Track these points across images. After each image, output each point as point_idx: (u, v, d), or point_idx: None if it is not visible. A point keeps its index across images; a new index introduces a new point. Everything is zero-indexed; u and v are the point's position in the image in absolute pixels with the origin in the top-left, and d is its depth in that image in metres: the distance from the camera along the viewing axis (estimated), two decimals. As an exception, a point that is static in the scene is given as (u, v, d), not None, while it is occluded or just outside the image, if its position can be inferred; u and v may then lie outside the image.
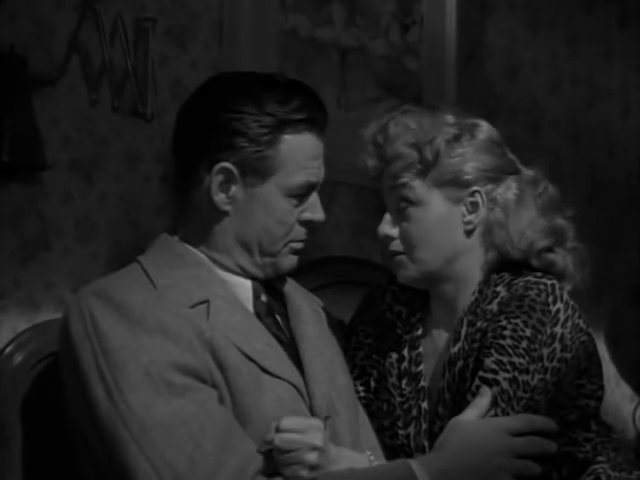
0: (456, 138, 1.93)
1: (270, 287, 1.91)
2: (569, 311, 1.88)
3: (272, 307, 1.89)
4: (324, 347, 1.88)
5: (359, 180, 2.93)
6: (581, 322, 1.90)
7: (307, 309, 1.92)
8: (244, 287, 1.87)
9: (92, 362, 1.69)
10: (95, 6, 2.49)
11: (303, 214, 1.86)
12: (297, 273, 2.00)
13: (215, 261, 1.85)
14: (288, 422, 1.70)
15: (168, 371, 1.67)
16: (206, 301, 1.78)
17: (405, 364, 1.98)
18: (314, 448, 1.70)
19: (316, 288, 2.04)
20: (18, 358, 1.98)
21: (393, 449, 1.95)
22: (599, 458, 1.91)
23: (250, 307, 1.86)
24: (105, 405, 1.66)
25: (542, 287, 1.88)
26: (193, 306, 1.77)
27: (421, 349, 1.98)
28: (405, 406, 1.95)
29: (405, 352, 1.99)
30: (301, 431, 1.70)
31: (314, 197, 1.87)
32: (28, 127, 2.34)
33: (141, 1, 2.61)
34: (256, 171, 1.80)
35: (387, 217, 1.96)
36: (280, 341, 1.84)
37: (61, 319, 1.79)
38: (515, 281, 1.91)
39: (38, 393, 1.97)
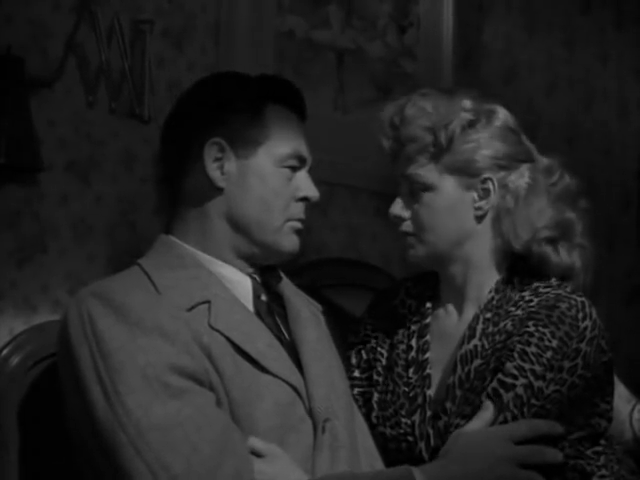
0: (471, 124, 1.94)
1: (269, 290, 1.91)
2: (596, 330, 1.88)
3: (272, 308, 1.89)
4: (323, 351, 1.88)
5: (356, 181, 2.95)
6: (603, 343, 1.90)
7: (306, 313, 1.92)
8: (244, 286, 1.86)
9: (90, 364, 1.69)
10: (92, 8, 2.49)
11: (297, 192, 1.87)
12: (294, 274, 1.99)
13: (213, 255, 1.85)
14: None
15: (165, 373, 1.67)
16: (207, 301, 1.78)
17: (413, 354, 1.98)
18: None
19: (313, 290, 2.04)
20: (15, 360, 1.97)
21: (394, 439, 1.95)
22: (603, 472, 1.91)
23: (250, 306, 1.85)
24: (102, 407, 1.66)
25: (573, 302, 1.88)
26: (194, 306, 1.76)
27: (428, 337, 1.99)
28: (411, 394, 1.96)
29: (413, 342, 2.00)
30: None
31: (306, 176, 1.89)
32: (25, 128, 2.33)
33: (138, 3, 2.61)
34: (246, 141, 1.83)
35: (399, 199, 1.98)
36: (280, 342, 1.84)
37: (60, 321, 1.78)
38: (543, 290, 1.91)
39: (35, 395, 1.96)
